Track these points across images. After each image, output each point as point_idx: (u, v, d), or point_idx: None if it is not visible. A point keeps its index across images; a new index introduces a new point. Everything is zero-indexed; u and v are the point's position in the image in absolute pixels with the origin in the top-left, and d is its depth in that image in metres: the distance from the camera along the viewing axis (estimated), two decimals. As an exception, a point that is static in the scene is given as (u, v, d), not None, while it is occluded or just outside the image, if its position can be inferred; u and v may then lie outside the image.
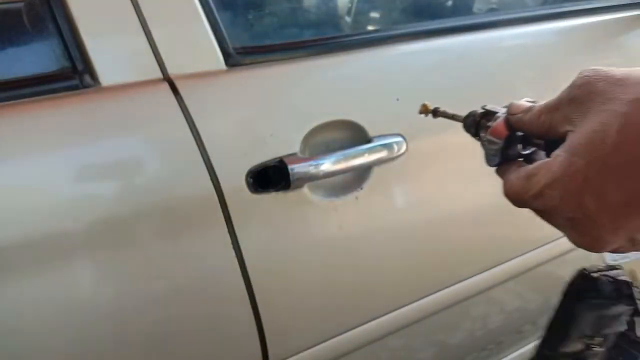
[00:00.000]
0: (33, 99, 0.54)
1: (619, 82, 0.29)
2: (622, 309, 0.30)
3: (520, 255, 0.90)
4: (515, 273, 0.91)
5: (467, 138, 0.41)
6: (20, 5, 0.57)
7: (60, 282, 0.52)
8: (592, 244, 0.31)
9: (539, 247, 0.92)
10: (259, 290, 0.64)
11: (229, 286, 0.62)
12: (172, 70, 0.59)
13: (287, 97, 0.64)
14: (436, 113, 0.44)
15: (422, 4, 0.98)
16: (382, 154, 0.68)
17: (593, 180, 0.28)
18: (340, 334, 0.74)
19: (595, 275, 0.36)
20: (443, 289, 0.82)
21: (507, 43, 0.84)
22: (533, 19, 0.88)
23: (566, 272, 1.06)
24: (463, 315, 0.90)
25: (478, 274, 0.85)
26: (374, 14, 0.98)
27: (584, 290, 0.36)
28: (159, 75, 0.59)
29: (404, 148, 0.69)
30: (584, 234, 0.31)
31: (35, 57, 0.57)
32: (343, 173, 0.65)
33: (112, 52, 0.57)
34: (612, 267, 0.34)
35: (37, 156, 0.52)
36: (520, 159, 0.36)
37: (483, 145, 0.39)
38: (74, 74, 0.56)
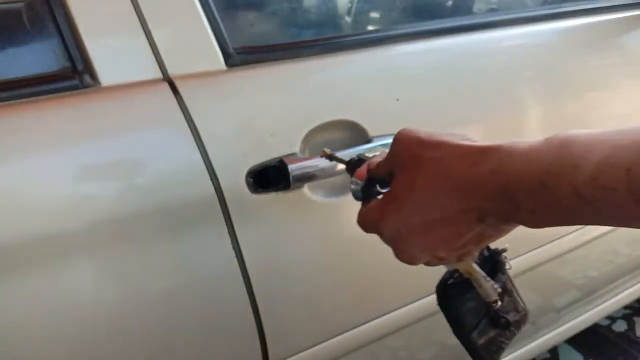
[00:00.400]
0: (33, 99, 0.54)
1: (422, 144, 0.39)
2: (473, 293, 0.46)
3: (520, 255, 0.90)
4: (516, 273, 0.91)
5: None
6: (20, 5, 0.57)
7: (60, 282, 0.52)
8: (408, 260, 0.42)
9: (539, 247, 0.92)
10: (259, 290, 0.64)
11: (229, 286, 0.62)
12: (172, 70, 0.59)
13: (287, 97, 0.64)
14: (331, 157, 0.55)
15: (422, 4, 0.98)
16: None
17: (405, 214, 0.39)
18: (340, 334, 0.74)
19: (450, 282, 0.48)
20: (443, 289, 0.82)
21: (507, 43, 0.84)
22: (533, 19, 0.88)
23: (566, 272, 1.06)
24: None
25: (478, 274, 0.85)
26: (374, 14, 0.98)
27: (450, 297, 0.48)
28: (159, 75, 0.59)
29: (404, 148, 0.69)
30: (402, 252, 0.42)
31: (35, 57, 0.57)
32: (343, 173, 0.65)
33: (112, 52, 0.57)
34: (454, 271, 0.47)
35: (37, 156, 0.52)
36: (379, 196, 0.45)
37: (351, 184, 0.49)
38: (74, 74, 0.56)
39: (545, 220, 0.36)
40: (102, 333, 0.56)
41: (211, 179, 0.58)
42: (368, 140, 0.67)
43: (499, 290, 0.46)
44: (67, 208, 0.52)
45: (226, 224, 0.60)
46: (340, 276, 0.69)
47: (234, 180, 0.59)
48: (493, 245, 0.48)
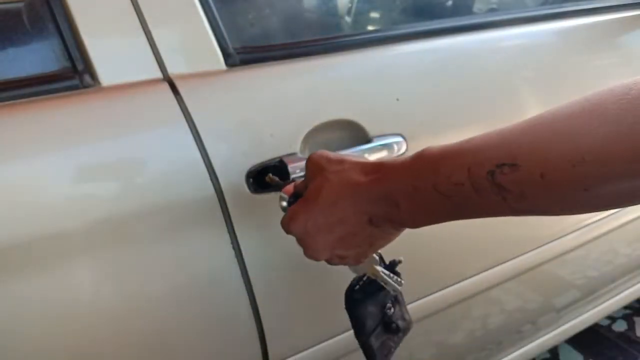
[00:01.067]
0: (33, 99, 0.54)
1: (329, 160, 0.49)
2: (382, 297, 0.56)
3: (520, 255, 0.90)
4: (515, 273, 0.91)
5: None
6: (20, 5, 0.57)
7: (59, 282, 0.52)
8: (312, 254, 0.50)
9: (539, 247, 0.92)
10: (259, 290, 0.64)
11: (229, 286, 0.62)
12: (172, 70, 0.59)
13: (287, 97, 0.64)
14: (272, 182, 0.60)
15: (422, 4, 0.98)
16: (382, 154, 0.68)
17: (311, 214, 0.47)
18: (340, 334, 0.74)
19: (356, 287, 0.56)
20: (443, 288, 0.82)
21: (507, 43, 0.84)
22: (533, 19, 0.88)
23: (566, 272, 1.06)
24: (463, 315, 0.90)
25: (478, 273, 0.85)
26: (374, 14, 0.98)
27: (355, 300, 0.56)
28: (159, 75, 0.59)
29: (404, 148, 0.69)
30: (307, 248, 0.50)
31: (35, 57, 0.57)
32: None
33: (112, 52, 0.57)
34: (362, 276, 0.56)
35: (36, 156, 0.52)
36: None
37: (280, 200, 0.58)
38: (74, 74, 0.56)
39: (422, 219, 0.44)
40: (101, 333, 0.56)
41: (211, 179, 0.58)
42: (368, 140, 0.67)
43: (402, 282, 0.55)
44: (67, 208, 0.52)
45: (226, 224, 0.60)
46: (340, 276, 0.69)
47: (234, 180, 0.59)
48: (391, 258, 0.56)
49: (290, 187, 0.56)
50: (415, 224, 0.45)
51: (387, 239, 0.50)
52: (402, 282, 0.55)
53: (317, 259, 0.50)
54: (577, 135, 0.34)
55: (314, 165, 0.50)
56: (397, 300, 0.57)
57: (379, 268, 0.54)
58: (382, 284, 0.54)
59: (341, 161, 0.48)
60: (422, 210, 0.43)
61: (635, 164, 0.31)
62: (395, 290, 0.55)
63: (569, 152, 0.34)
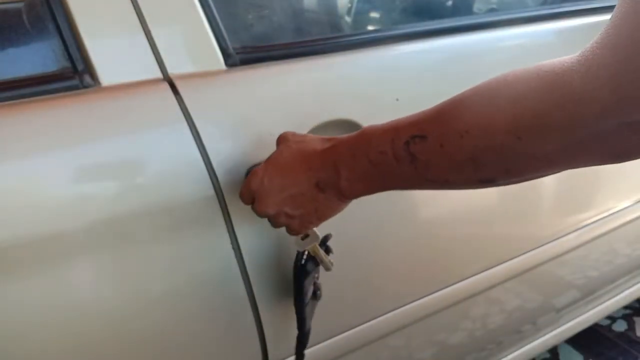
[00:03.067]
0: (33, 99, 0.54)
1: (294, 135, 0.57)
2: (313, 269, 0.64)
3: (520, 255, 0.90)
4: (515, 273, 0.92)
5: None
6: (20, 5, 0.57)
7: (59, 282, 0.52)
8: (263, 208, 0.55)
9: (539, 247, 0.92)
10: (258, 290, 0.64)
11: (229, 286, 0.62)
12: (172, 70, 0.59)
13: (287, 97, 0.65)
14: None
15: (422, 4, 0.98)
16: (382, 154, 0.68)
17: (269, 174, 0.54)
18: (340, 333, 0.74)
19: (302, 262, 0.63)
20: (443, 288, 0.82)
21: (507, 43, 0.84)
22: (533, 19, 0.88)
23: (566, 272, 1.06)
24: (463, 315, 0.91)
25: (478, 273, 0.85)
26: (374, 14, 0.98)
27: (307, 271, 0.63)
28: (159, 75, 0.59)
29: (404, 148, 0.69)
30: (259, 202, 0.55)
31: (35, 57, 0.57)
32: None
33: (112, 52, 0.57)
34: (303, 252, 0.63)
35: (37, 156, 0.52)
36: None
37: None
38: (74, 74, 0.56)
39: (358, 187, 0.52)
40: (101, 333, 0.56)
41: (211, 179, 0.58)
42: (368, 140, 0.67)
43: (333, 262, 0.63)
44: (67, 208, 0.52)
45: (226, 223, 0.60)
46: (339, 276, 0.69)
47: (234, 180, 0.59)
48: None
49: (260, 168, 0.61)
50: (353, 192, 0.53)
51: (331, 208, 0.56)
52: (333, 263, 0.63)
53: (265, 213, 0.55)
54: (466, 111, 0.42)
55: (281, 138, 0.57)
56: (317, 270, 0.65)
57: (320, 250, 0.62)
58: (319, 261, 0.62)
59: (304, 136, 0.57)
60: (357, 178, 0.51)
61: (510, 134, 0.39)
62: (328, 268, 0.63)
63: (457, 126, 0.42)
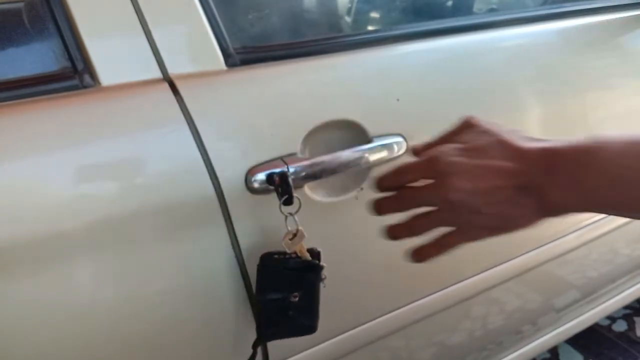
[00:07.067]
0: (33, 99, 0.54)
1: (500, 126, 0.49)
2: (308, 275, 0.62)
3: (520, 255, 0.90)
4: (515, 273, 0.92)
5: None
6: (20, 5, 0.57)
7: (59, 282, 0.52)
8: (461, 185, 0.46)
9: (539, 247, 0.92)
10: (259, 290, 0.64)
11: (229, 286, 0.62)
12: (172, 70, 0.59)
13: (287, 97, 0.64)
14: None
15: (422, 4, 0.98)
16: (382, 154, 0.68)
17: (469, 153, 0.48)
18: (340, 334, 0.74)
19: (279, 256, 0.61)
20: (443, 289, 0.82)
21: (507, 43, 0.84)
22: (533, 19, 0.88)
23: (566, 272, 1.06)
24: (463, 315, 0.90)
25: (478, 273, 0.85)
26: (374, 14, 0.98)
27: (275, 259, 0.61)
28: (159, 75, 0.59)
29: (404, 148, 0.69)
30: (456, 177, 0.47)
31: (35, 57, 0.57)
32: (343, 173, 0.65)
33: (112, 52, 0.57)
34: (285, 252, 0.61)
35: (37, 156, 0.52)
36: None
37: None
38: (74, 74, 0.56)
39: (570, 202, 0.43)
40: (101, 333, 0.56)
41: (211, 179, 0.58)
42: (368, 140, 0.67)
43: (325, 279, 0.62)
44: (67, 208, 0.52)
45: (226, 224, 0.60)
46: (339, 276, 0.69)
47: (234, 180, 0.59)
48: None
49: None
50: (560, 206, 0.44)
51: (517, 219, 0.47)
52: (325, 280, 0.61)
53: (463, 189, 0.46)
54: None
55: (487, 124, 0.50)
56: (305, 299, 0.61)
57: (306, 253, 0.60)
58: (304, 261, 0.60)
59: (514, 129, 0.49)
60: (576, 189, 0.42)
61: None
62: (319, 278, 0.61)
63: None
